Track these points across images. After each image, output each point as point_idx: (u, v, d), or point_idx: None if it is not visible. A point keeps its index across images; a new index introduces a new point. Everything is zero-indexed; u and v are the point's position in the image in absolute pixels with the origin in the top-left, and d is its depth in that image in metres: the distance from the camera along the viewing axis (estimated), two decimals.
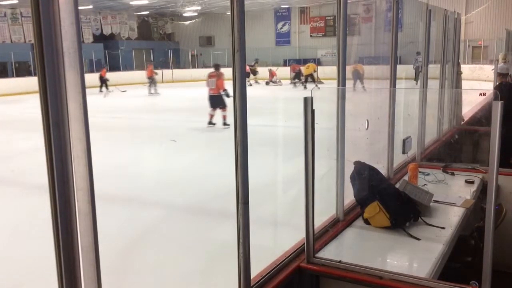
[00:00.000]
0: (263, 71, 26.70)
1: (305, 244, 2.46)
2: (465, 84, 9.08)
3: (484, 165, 4.02)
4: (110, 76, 23.76)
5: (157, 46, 34.39)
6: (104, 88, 22.33)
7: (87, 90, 1.30)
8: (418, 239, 2.74)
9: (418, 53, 15.87)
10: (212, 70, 11.99)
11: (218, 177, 6.66)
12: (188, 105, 17.25)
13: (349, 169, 3.03)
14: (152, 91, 21.73)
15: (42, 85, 1.23)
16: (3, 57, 24.49)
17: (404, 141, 3.92)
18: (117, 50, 30.67)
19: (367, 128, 3.03)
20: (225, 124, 11.29)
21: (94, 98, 17.30)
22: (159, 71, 27.71)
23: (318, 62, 27.55)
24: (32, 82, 18.15)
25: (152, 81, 21.86)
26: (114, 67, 29.91)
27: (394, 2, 3.81)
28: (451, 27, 6.05)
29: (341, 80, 2.99)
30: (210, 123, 11.57)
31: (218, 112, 11.47)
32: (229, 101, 11.07)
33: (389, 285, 2.26)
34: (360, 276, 2.34)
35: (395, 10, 3.88)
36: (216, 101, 11.47)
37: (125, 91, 22.62)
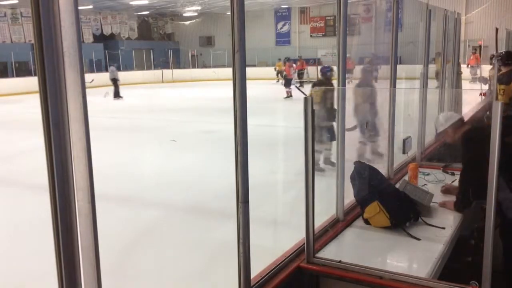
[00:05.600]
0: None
1: (305, 244, 2.46)
2: (465, 84, 9.09)
3: None
4: None
5: (157, 46, 34.33)
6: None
7: (87, 90, 1.30)
8: (418, 239, 2.73)
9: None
10: None
11: (218, 177, 6.66)
12: (188, 105, 17.25)
13: (349, 169, 3.03)
14: None
15: (42, 85, 1.24)
16: (3, 57, 24.44)
17: (404, 141, 3.92)
18: (117, 50, 30.60)
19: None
20: None
21: (94, 98, 17.25)
22: (158, 71, 28.91)
23: (318, 62, 27.46)
24: (32, 82, 18.10)
25: None
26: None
27: (394, 2, 3.82)
28: (451, 27, 6.05)
29: (341, 80, 2.99)
30: None
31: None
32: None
33: (389, 285, 2.26)
34: (360, 276, 2.34)
35: (395, 10, 3.88)
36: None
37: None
